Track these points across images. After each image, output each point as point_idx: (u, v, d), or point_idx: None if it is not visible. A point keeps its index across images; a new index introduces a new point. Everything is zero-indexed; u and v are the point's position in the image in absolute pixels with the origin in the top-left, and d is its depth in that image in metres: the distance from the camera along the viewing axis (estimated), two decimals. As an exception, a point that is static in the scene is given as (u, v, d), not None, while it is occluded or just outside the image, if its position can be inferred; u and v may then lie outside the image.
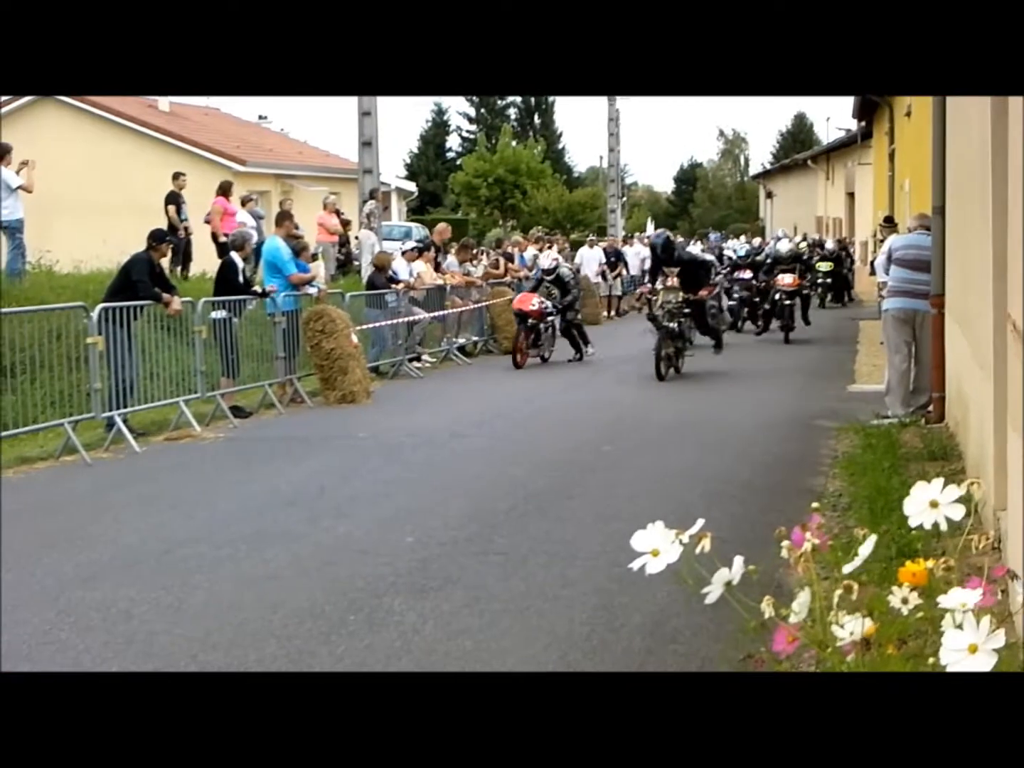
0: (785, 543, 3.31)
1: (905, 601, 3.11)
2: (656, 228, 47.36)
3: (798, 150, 70.68)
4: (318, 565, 8.38)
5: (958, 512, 3.11)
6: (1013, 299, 6.54)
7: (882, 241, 23.14)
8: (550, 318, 22.74)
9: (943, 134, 13.04)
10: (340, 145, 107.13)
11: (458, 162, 72.46)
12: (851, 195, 46.43)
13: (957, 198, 11.84)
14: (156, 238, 15.33)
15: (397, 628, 6.91)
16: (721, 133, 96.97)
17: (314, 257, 20.40)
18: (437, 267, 24.45)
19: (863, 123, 40.15)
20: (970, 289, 10.07)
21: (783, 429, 14.01)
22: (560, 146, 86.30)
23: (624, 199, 60.40)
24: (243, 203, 24.47)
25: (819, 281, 35.40)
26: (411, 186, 54.23)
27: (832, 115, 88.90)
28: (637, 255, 37.28)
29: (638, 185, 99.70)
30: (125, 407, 13.83)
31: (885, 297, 14.82)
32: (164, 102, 38.97)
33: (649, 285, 20.51)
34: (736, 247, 32.04)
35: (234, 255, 17.08)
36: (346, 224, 28.31)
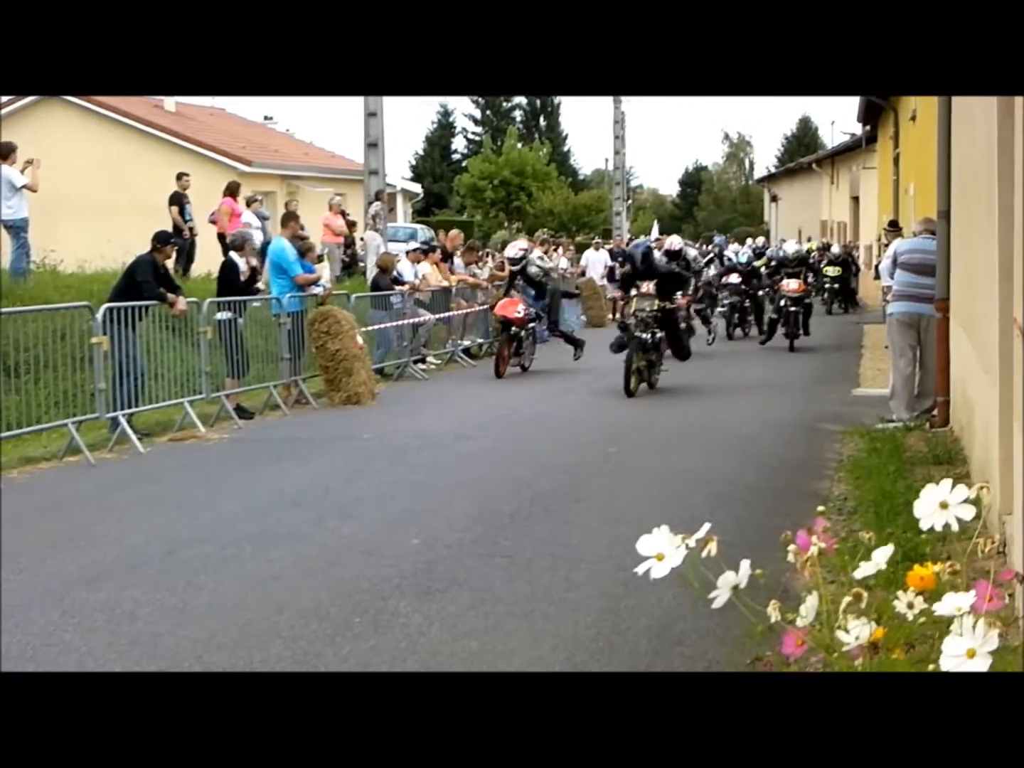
0: (791, 547, 3.31)
1: (911, 606, 3.10)
2: (660, 231, 47.38)
3: (803, 154, 70.74)
4: (323, 566, 8.37)
5: (968, 512, 3.10)
6: (1019, 303, 6.53)
7: (887, 245, 23.16)
8: (531, 325, 21.71)
9: (948, 138, 13.04)
10: (346, 146, 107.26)
11: (463, 164, 72.49)
12: (856, 199, 46.43)
13: (962, 202, 11.84)
14: (161, 240, 15.34)
15: (403, 630, 6.90)
16: (726, 136, 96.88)
17: (320, 258, 20.38)
18: (440, 268, 24.44)
19: (868, 127, 40.16)
20: (975, 293, 10.06)
21: (787, 433, 14.01)
22: (565, 148, 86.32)
23: (629, 202, 60.37)
24: (248, 204, 24.50)
25: (826, 286, 34.91)
26: (416, 188, 54.25)
27: (837, 119, 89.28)
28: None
29: (643, 188, 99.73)
30: (130, 408, 13.83)
31: (890, 301, 14.82)
32: (170, 102, 38.98)
33: (620, 292, 19.50)
34: (738, 251, 31.07)
35: (234, 255, 17.10)
36: (352, 225, 28.34)
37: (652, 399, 17.30)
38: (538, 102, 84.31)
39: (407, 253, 24.02)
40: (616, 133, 49.31)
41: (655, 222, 59.64)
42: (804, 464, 11.99)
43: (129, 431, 13.43)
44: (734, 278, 27.79)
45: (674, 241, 26.15)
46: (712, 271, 29.19)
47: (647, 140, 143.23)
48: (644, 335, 17.58)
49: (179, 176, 24.04)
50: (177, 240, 18.71)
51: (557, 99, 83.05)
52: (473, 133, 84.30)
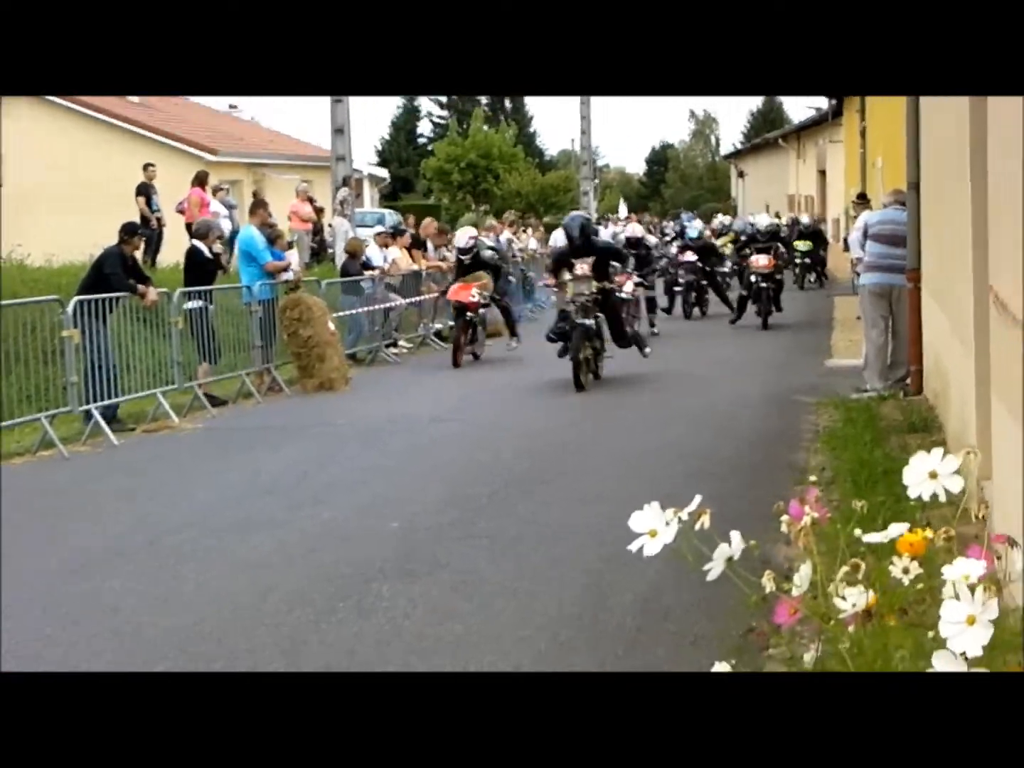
0: (784, 517, 3.30)
1: (906, 571, 3.10)
2: (629, 209, 47.36)
3: (768, 129, 70.79)
4: (303, 553, 8.35)
5: (957, 484, 3.10)
6: (996, 272, 6.54)
7: (855, 218, 23.21)
8: (483, 311, 20.61)
9: (917, 110, 13.05)
10: (311, 133, 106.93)
11: (430, 148, 72.32)
12: (822, 173, 46.51)
13: (932, 173, 11.87)
14: (128, 231, 15.25)
15: (386, 614, 6.89)
16: (692, 114, 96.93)
17: (290, 245, 20.31)
18: (411, 254, 24.39)
19: (833, 101, 40.23)
20: (947, 263, 10.09)
21: (762, 406, 14.03)
22: (531, 130, 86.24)
23: (596, 181, 60.39)
24: (214, 192, 24.38)
25: (796, 261, 34.04)
26: (383, 172, 54.10)
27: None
28: (611, 236, 37.28)
29: (610, 167, 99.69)
30: (102, 400, 13.75)
31: (861, 272, 14.86)
32: (133, 93, 38.81)
33: (552, 275, 17.50)
34: (689, 228, 29.41)
35: (198, 243, 17.03)
36: (319, 212, 28.24)
37: (624, 379, 17.27)
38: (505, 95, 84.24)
39: (375, 236, 23.95)
40: (582, 113, 49.25)
41: (621, 201, 59.71)
42: (780, 436, 12.01)
43: (103, 424, 13.36)
44: (690, 256, 26.57)
45: (636, 229, 25.61)
46: (674, 249, 28.87)
47: (613, 119, 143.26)
48: (587, 321, 16.05)
49: (145, 167, 23.95)
50: (145, 231, 18.66)
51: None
52: (439, 117, 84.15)
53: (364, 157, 53.39)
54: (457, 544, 8.37)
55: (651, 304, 24.04)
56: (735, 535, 3.10)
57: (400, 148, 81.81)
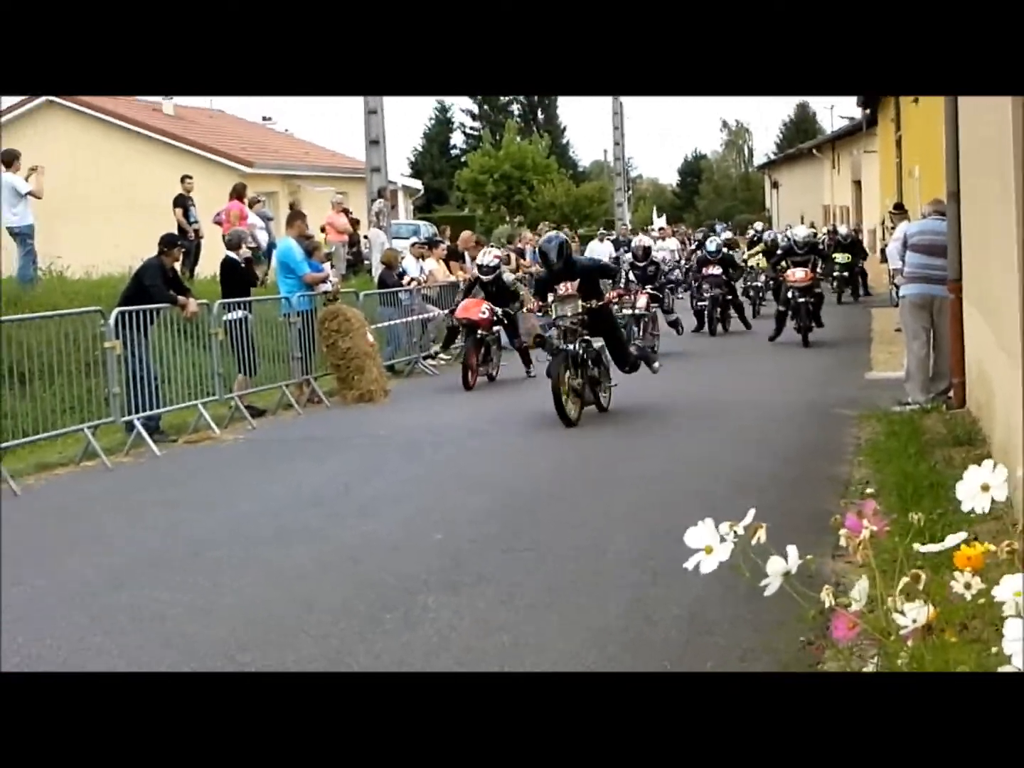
0: (843, 531, 3.29)
1: (968, 586, 3.09)
2: (666, 220, 47.21)
3: (802, 139, 70.66)
4: (347, 564, 8.36)
5: (1002, 493, 3.09)
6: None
7: (892, 228, 23.12)
8: (496, 328, 19.54)
9: (956, 116, 12.99)
10: (345, 144, 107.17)
11: (463, 159, 72.43)
12: (857, 183, 46.38)
13: (972, 181, 11.80)
14: (167, 243, 15.32)
15: (433, 625, 6.89)
16: (724, 124, 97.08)
17: (327, 257, 20.37)
18: (448, 266, 24.43)
19: (867, 111, 40.13)
20: (989, 273, 10.03)
21: (803, 418, 13.98)
22: (564, 141, 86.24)
23: (630, 192, 60.32)
24: (251, 205, 24.44)
25: (835, 274, 32.28)
26: (417, 184, 54.20)
27: (836, 103, 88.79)
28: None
29: (643, 178, 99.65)
30: (144, 411, 13.82)
31: (901, 283, 14.79)
32: (168, 105, 38.92)
33: (536, 300, 15.62)
34: (709, 241, 28.01)
35: (231, 254, 17.11)
36: (355, 223, 28.30)
37: (661, 394, 17.22)
38: (536, 96, 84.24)
39: (411, 248, 24.01)
40: (615, 124, 49.30)
41: (654, 211, 59.59)
42: (822, 449, 11.96)
43: (145, 434, 13.43)
44: (715, 269, 25.76)
45: (643, 240, 24.57)
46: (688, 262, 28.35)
47: (646, 130, 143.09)
48: (570, 346, 14.28)
49: (183, 179, 24.04)
50: (183, 243, 18.70)
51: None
52: (471, 128, 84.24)
53: (397, 168, 53.53)
54: (501, 556, 8.37)
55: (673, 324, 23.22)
56: (791, 549, 3.09)
57: (433, 160, 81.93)
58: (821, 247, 27.15)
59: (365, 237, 27.79)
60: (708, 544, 3.11)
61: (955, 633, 3.13)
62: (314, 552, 8.71)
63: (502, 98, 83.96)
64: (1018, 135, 7.61)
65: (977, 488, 3.16)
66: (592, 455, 12.21)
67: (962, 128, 12.74)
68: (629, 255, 24.20)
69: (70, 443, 13.49)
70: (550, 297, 14.85)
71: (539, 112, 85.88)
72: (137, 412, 13.69)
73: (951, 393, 13.26)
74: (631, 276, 22.07)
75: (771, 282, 27.67)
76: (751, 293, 30.15)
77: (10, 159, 18.40)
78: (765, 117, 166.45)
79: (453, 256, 25.05)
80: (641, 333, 20.57)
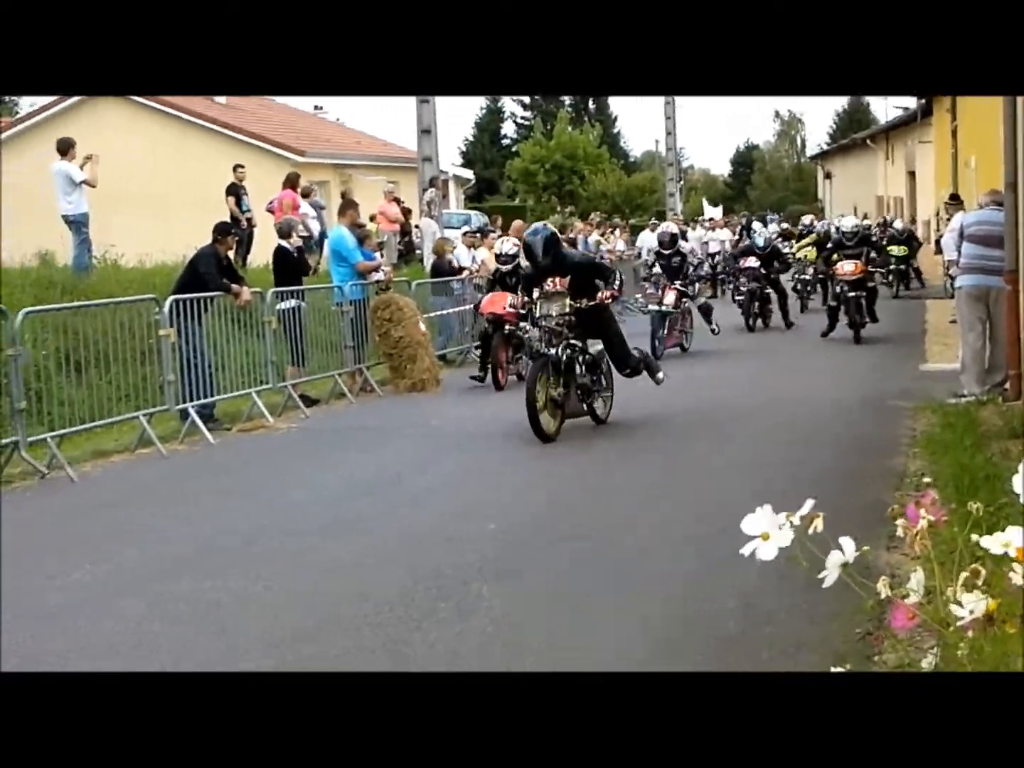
0: (900, 521, 3.28)
1: (1028, 578, 3.07)
2: (716, 210, 46.99)
3: (855, 130, 70.22)
4: (401, 553, 8.37)
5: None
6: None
7: (948, 219, 22.93)
8: (524, 324, 16.73)
9: (1015, 107, 12.89)
10: (397, 134, 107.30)
11: (514, 149, 72.43)
12: (912, 174, 46.06)
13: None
14: (221, 231, 15.40)
15: (488, 615, 6.90)
16: (777, 114, 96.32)
17: (379, 246, 20.41)
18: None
19: (922, 101, 39.85)
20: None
21: (858, 411, 13.90)
22: (616, 130, 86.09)
23: (681, 183, 60.16)
24: (304, 195, 24.50)
25: (891, 267, 31.08)
26: (468, 174, 54.23)
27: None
28: (698, 239, 37.22)
29: (694, 168, 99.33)
30: (198, 399, 13.90)
31: (957, 275, 14.70)
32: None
33: (521, 296, 14.32)
34: (757, 235, 26.96)
35: (283, 243, 17.18)
36: (407, 213, 28.34)
37: (718, 381, 17.17)
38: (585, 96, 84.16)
39: (462, 237, 24.02)
40: (667, 114, 49.18)
41: (705, 202, 59.42)
42: (877, 441, 11.89)
43: (199, 423, 13.50)
44: (752, 262, 24.59)
45: (670, 226, 23.22)
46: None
47: (697, 120, 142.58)
48: (552, 351, 12.83)
49: (235, 167, 24.13)
50: (236, 231, 18.78)
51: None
52: (522, 118, 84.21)
53: (449, 158, 53.57)
54: (555, 546, 8.37)
55: (705, 312, 21.77)
56: (847, 541, 3.08)
57: (484, 149, 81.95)
58: (874, 239, 26.33)
59: (416, 226, 27.83)
60: (765, 531, 3.11)
61: (1015, 625, 3.12)
62: (368, 541, 8.74)
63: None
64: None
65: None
66: (646, 448, 12.19)
67: (1020, 118, 12.64)
68: (655, 242, 23.29)
69: (125, 430, 13.59)
70: (535, 294, 13.49)
71: (590, 102, 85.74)
72: (191, 400, 13.77)
73: (1007, 385, 13.17)
74: (656, 268, 21.44)
75: (819, 276, 27.10)
76: (799, 287, 29.26)
77: (65, 148, 18.54)
78: (818, 107, 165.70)
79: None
80: (667, 331, 20.14)
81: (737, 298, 25.54)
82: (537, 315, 13.26)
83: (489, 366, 17.69)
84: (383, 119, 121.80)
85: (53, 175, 18.68)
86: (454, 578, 7.64)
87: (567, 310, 12.99)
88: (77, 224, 18.65)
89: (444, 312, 20.50)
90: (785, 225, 41.38)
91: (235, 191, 23.61)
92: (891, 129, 51.23)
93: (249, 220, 23.62)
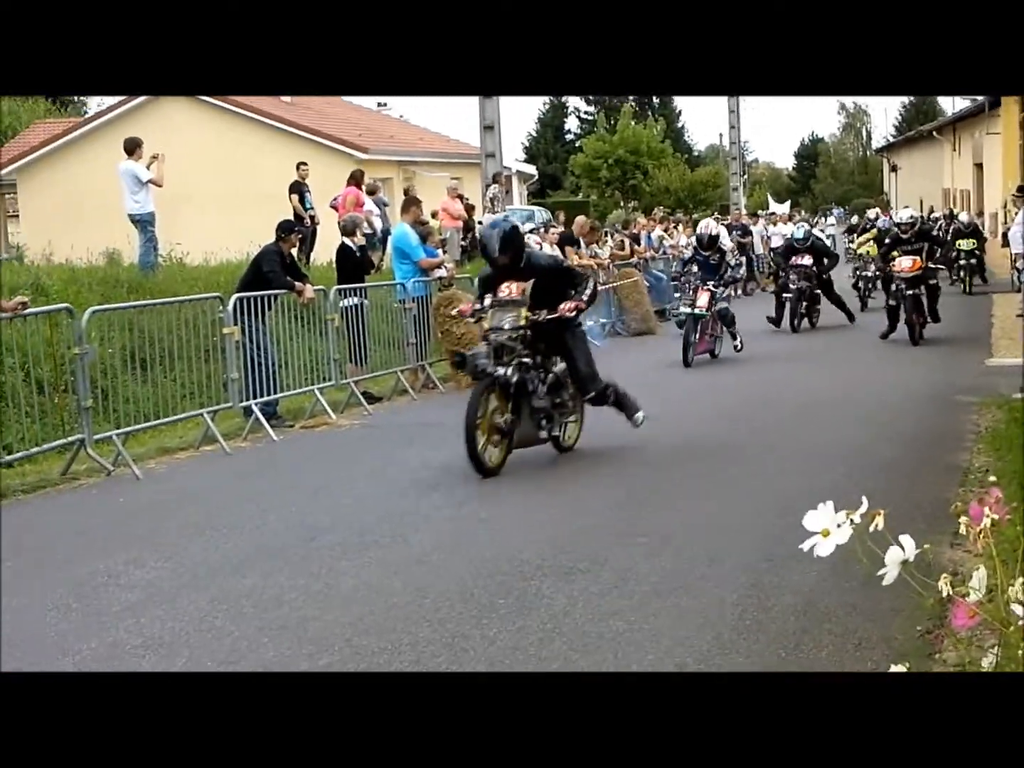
0: (963, 519, 3.25)
1: (1091, 579, 3.04)
2: (789, 206, 46.66)
3: (922, 121, 69.72)
4: (462, 549, 8.40)
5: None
6: None
7: (1016, 212, 22.68)
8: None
9: (1083, 100, 12.75)
10: (460, 130, 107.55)
11: (577, 144, 72.39)
12: (979, 166, 45.59)
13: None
14: (285, 229, 15.48)
15: (548, 610, 6.91)
16: (842, 107, 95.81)
17: (443, 242, 20.43)
18: (563, 252, 24.41)
19: (991, 95, 39.46)
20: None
21: (922, 405, 13.82)
22: (680, 125, 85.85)
23: (745, 177, 59.91)
24: (370, 192, 24.54)
25: (962, 262, 30.14)
26: (531, 169, 54.23)
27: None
28: (760, 234, 37.07)
29: (758, 162, 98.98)
30: (262, 396, 13.99)
31: (1023, 268, 14.56)
32: (288, 92, 39.24)
33: (473, 301, 12.33)
34: (800, 226, 25.95)
35: (347, 240, 17.25)
36: (470, 209, 28.37)
37: (780, 375, 17.06)
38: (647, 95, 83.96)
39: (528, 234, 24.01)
40: (731, 108, 48.98)
41: (770, 196, 59.14)
42: (941, 436, 11.81)
43: (263, 420, 13.59)
44: (804, 259, 23.45)
45: (709, 225, 21.29)
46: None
47: (762, 113, 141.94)
48: (500, 371, 10.98)
49: (298, 165, 24.24)
50: (299, 229, 18.88)
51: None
52: (585, 113, 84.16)
53: (512, 154, 53.62)
54: (616, 541, 8.37)
55: (728, 318, 19.89)
56: (907, 539, 3.06)
57: (547, 145, 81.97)
58: (936, 233, 25.14)
59: (479, 223, 27.85)
60: (825, 527, 3.10)
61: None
62: (429, 538, 8.77)
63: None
64: None
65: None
66: (711, 441, 12.15)
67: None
68: (694, 240, 21.89)
69: (190, 428, 13.70)
70: (487, 301, 11.55)
71: (654, 96, 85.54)
72: (255, 397, 13.86)
73: (1076, 381, 13.03)
74: (693, 267, 20.21)
75: (877, 273, 25.84)
76: (860, 284, 28.26)
77: (132, 147, 18.72)
78: (884, 99, 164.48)
79: (568, 242, 25.01)
80: (699, 336, 18.83)
81: (784, 296, 23.93)
82: (487, 326, 11.37)
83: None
84: (446, 115, 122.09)
85: (120, 175, 18.87)
86: (513, 574, 7.65)
87: (522, 323, 11.13)
88: (143, 223, 18.82)
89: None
90: (852, 220, 40.91)
91: (298, 189, 23.73)
92: (958, 121, 50.72)
93: (312, 218, 23.73)
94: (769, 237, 36.18)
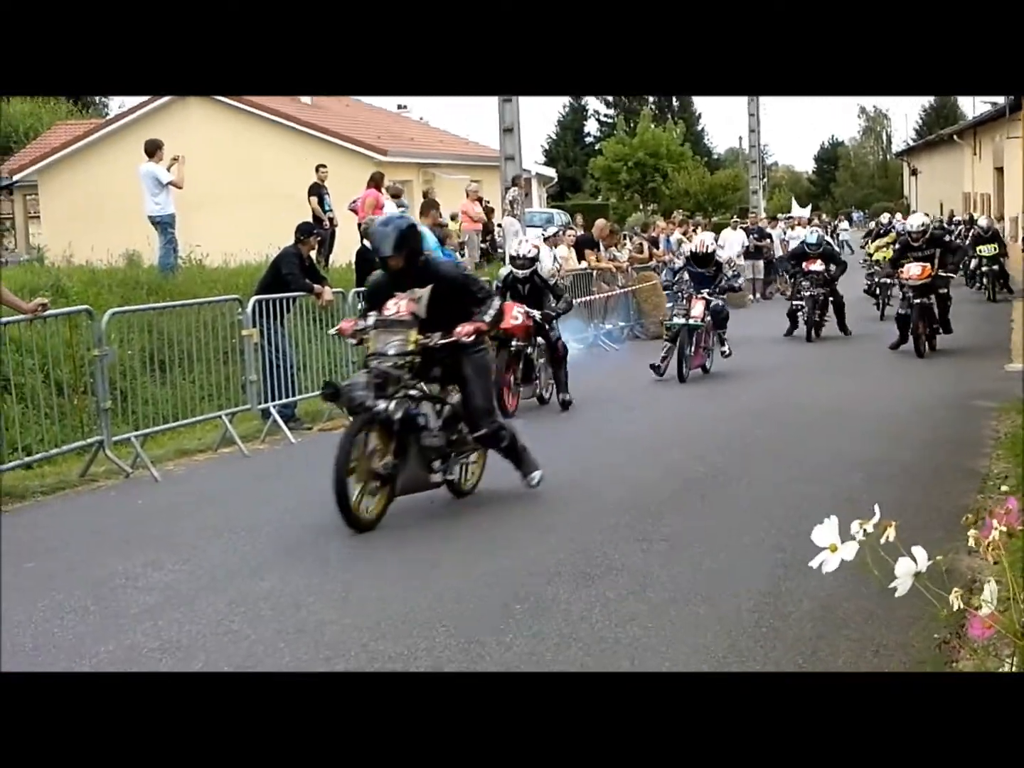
0: (972, 532, 3.25)
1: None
2: (807, 210, 46.54)
3: (942, 125, 69.53)
4: (479, 553, 8.41)
5: None
6: None
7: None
8: (539, 339, 15.46)
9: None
10: (479, 132, 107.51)
11: (597, 147, 72.34)
12: (1000, 170, 45.43)
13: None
14: (304, 231, 15.48)
15: (564, 616, 6.91)
16: (862, 111, 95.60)
17: (461, 245, 20.44)
18: (581, 255, 24.41)
19: (1011, 96, 39.31)
20: None
21: (941, 410, 13.79)
22: (699, 128, 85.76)
23: (765, 180, 59.82)
24: (394, 195, 24.51)
25: (984, 269, 29.73)
26: (550, 172, 54.21)
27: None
28: (779, 237, 37.02)
29: (778, 165, 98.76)
30: (280, 399, 14.02)
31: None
32: (306, 94, 39.34)
33: (354, 322, 10.12)
34: (812, 230, 25.50)
35: (367, 243, 17.25)
36: (489, 212, 28.38)
37: (798, 381, 17.02)
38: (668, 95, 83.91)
39: (544, 239, 23.99)
40: (750, 111, 48.94)
41: (793, 200, 59.00)
42: (960, 442, 11.79)
43: (280, 422, 13.61)
44: (817, 265, 22.68)
45: (706, 241, 19.64)
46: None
47: (781, 116, 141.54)
48: (380, 405, 9.19)
49: (318, 168, 24.27)
50: (318, 231, 18.90)
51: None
52: (605, 116, 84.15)
53: (531, 156, 53.62)
54: (633, 547, 8.37)
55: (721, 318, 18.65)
56: (919, 550, 3.05)
57: (567, 147, 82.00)
58: (949, 239, 24.18)
59: (499, 225, 27.86)
60: (832, 543, 3.10)
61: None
62: (446, 542, 8.78)
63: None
64: None
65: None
66: (729, 448, 12.14)
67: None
68: (687, 250, 20.95)
69: (208, 430, 13.72)
70: (371, 319, 9.68)
71: (674, 99, 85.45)
72: (273, 400, 13.88)
73: (1095, 387, 13.00)
74: (684, 275, 19.39)
75: (885, 279, 25.18)
76: (876, 291, 27.63)
77: (153, 149, 18.76)
78: (904, 103, 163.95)
79: (587, 245, 25.01)
80: (694, 348, 17.87)
81: (796, 304, 23.39)
82: (369, 351, 9.59)
83: None
84: (466, 118, 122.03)
85: (140, 176, 18.91)
86: (530, 579, 7.66)
87: (411, 347, 9.40)
88: (163, 225, 18.86)
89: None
90: (871, 224, 40.73)
91: (317, 191, 23.75)
92: (979, 124, 50.54)
93: (331, 220, 23.73)
94: (787, 241, 36.12)
